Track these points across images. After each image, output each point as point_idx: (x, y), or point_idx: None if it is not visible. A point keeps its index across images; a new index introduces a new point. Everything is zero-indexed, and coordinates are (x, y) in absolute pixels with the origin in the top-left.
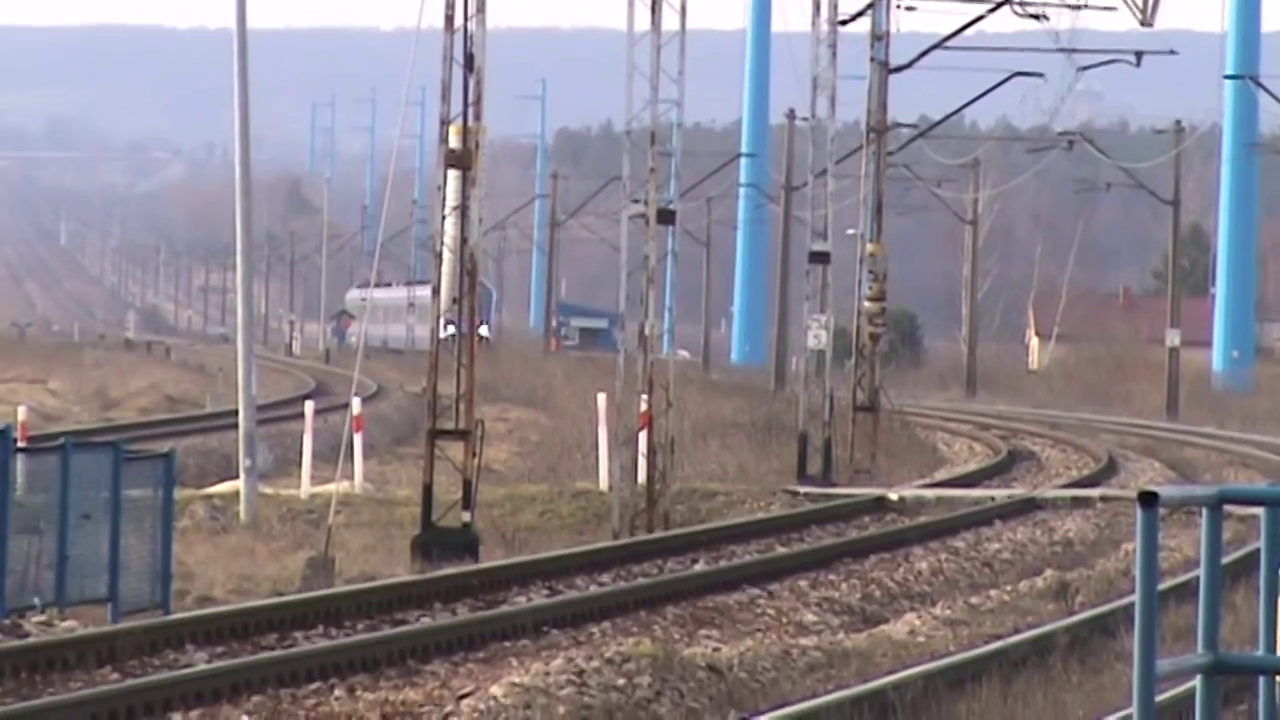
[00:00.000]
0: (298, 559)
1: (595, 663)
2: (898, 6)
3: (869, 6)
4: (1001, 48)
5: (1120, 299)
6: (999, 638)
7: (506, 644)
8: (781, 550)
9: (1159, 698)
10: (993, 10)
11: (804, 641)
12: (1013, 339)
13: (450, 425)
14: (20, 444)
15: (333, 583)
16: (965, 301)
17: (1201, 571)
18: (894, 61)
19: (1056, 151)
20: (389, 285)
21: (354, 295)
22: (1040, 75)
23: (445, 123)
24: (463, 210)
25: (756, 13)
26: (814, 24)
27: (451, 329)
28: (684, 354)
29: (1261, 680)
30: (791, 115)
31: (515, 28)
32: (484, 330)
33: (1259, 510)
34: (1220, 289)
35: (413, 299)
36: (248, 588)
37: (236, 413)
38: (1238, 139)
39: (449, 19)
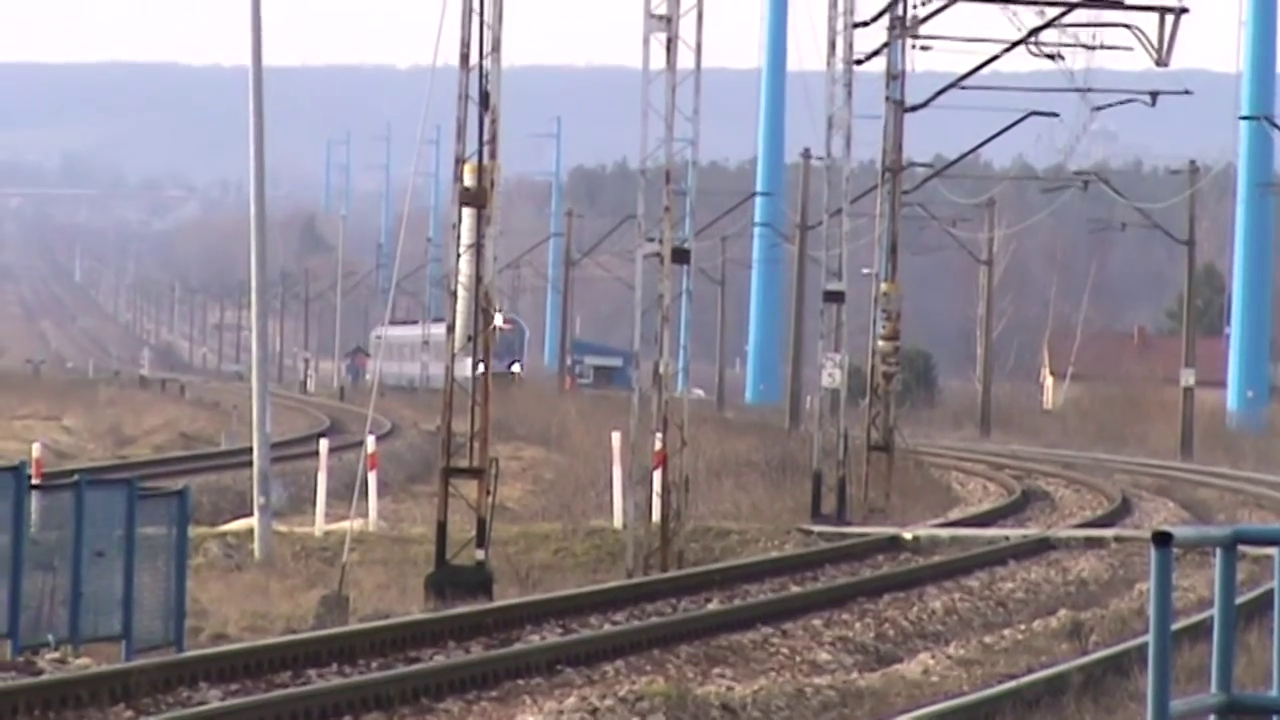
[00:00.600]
0: (312, 597)
1: (609, 701)
2: (913, 46)
3: (884, 46)
4: (1017, 87)
5: (1135, 339)
6: (1013, 677)
7: (520, 682)
8: (795, 589)
9: None
10: (1008, 50)
11: (818, 681)
12: (1027, 378)
13: (464, 463)
14: (35, 481)
15: (347, 620)
16: (980, 341)
17: (1215, 611)
18: (909, 101)
19: (1071, 191)
20: (414, 323)
21: (381, 332)
22: (1055, 115)
23: (460, 161)
24: (477, 248)
25: (772, 52)
26: (829, 63)
27: (482, 367)
28: (698, 393)
29: None
30: (807, 154)
31: (530, 66)
32: (516, 368)
33: (1273, 551)
34: (1235, 329)
35: (427, 337)
36: (262, 625)
37: (251, 450)
38: (1252, 179)
39: (464, 57)
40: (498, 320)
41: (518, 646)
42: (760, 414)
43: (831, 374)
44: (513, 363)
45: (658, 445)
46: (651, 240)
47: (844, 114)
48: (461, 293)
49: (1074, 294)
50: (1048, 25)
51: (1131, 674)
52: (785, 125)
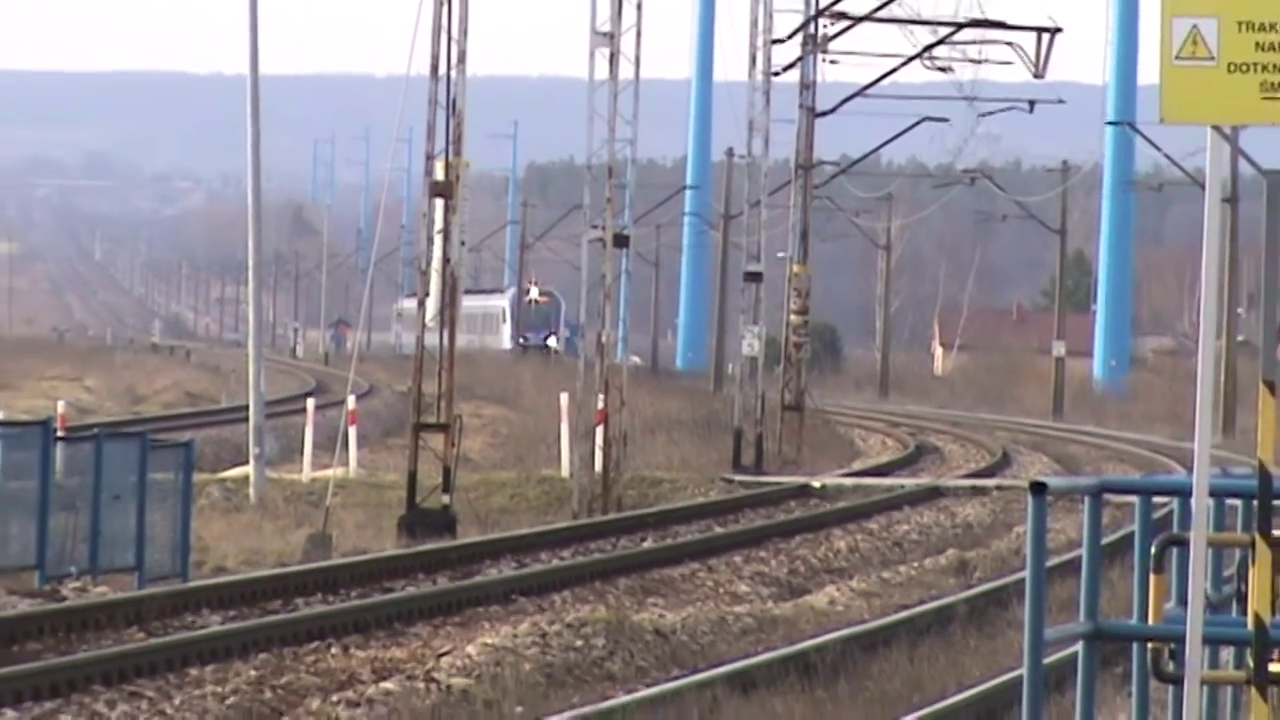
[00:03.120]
0: (299, 535)
1: (557, 626)
2: (824, 60)
3: (798, 60)
4: (913, 96)
5: (1013, 314)
6: (907, 608)
7: (480, 610)
8: (719, 530)
9: (1046, 660)
10: (905, 64)
11: (738, 609)
12: (920, 348)
13: (432, 420)
14: (60, 434)
15: (330, 555)
16: (879, 316)
17: (1084, 551)
18: (820, 107)
19: (959, 186)
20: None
21: (404, 305)
22: (946, 120)
23: (430, 157)
24: (445, 233)
25: (700, 64)
26: (751, 74)
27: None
28: (635, 360)
29: (1135, 645)
30: (730, 153)
31: (491, 75)
32: (552, 341)
33: (1133, 498)
34: (1100, 306)
35: (400, 310)
36: (256, 559)
37: (247, 407)
38: (1117, 177)
39: (434, 68)
40: (534, 293)
41: (478, 578)
42: (689, 379)
43: (751, 344)
44: (549, 335)
45: (600, 405)
46: (596, 227)
47: (763, 118)
48: (434, 274)
49: (961, 276)
50: (940, 42)
51: (1010, 605)
52: (712, 128)
